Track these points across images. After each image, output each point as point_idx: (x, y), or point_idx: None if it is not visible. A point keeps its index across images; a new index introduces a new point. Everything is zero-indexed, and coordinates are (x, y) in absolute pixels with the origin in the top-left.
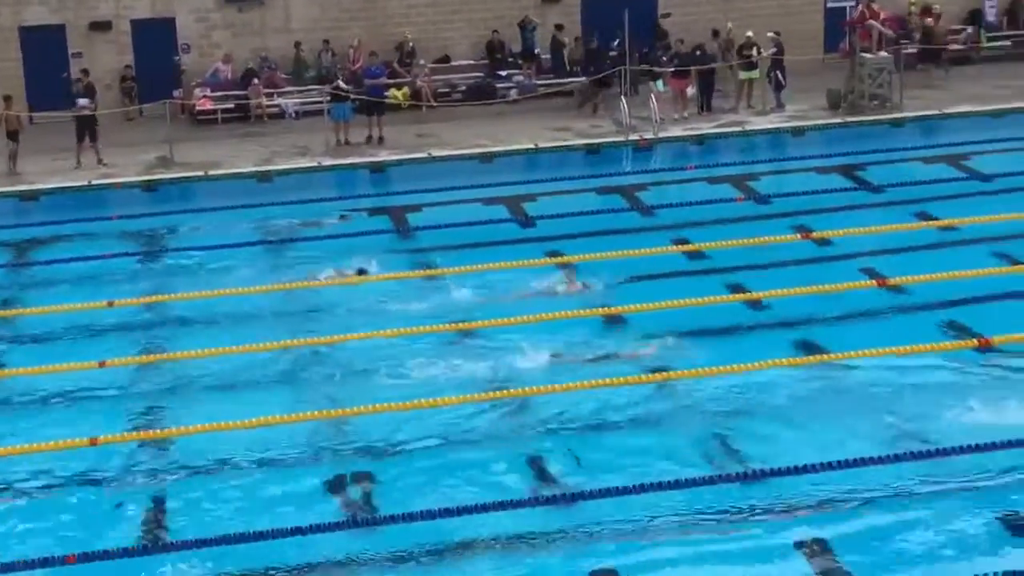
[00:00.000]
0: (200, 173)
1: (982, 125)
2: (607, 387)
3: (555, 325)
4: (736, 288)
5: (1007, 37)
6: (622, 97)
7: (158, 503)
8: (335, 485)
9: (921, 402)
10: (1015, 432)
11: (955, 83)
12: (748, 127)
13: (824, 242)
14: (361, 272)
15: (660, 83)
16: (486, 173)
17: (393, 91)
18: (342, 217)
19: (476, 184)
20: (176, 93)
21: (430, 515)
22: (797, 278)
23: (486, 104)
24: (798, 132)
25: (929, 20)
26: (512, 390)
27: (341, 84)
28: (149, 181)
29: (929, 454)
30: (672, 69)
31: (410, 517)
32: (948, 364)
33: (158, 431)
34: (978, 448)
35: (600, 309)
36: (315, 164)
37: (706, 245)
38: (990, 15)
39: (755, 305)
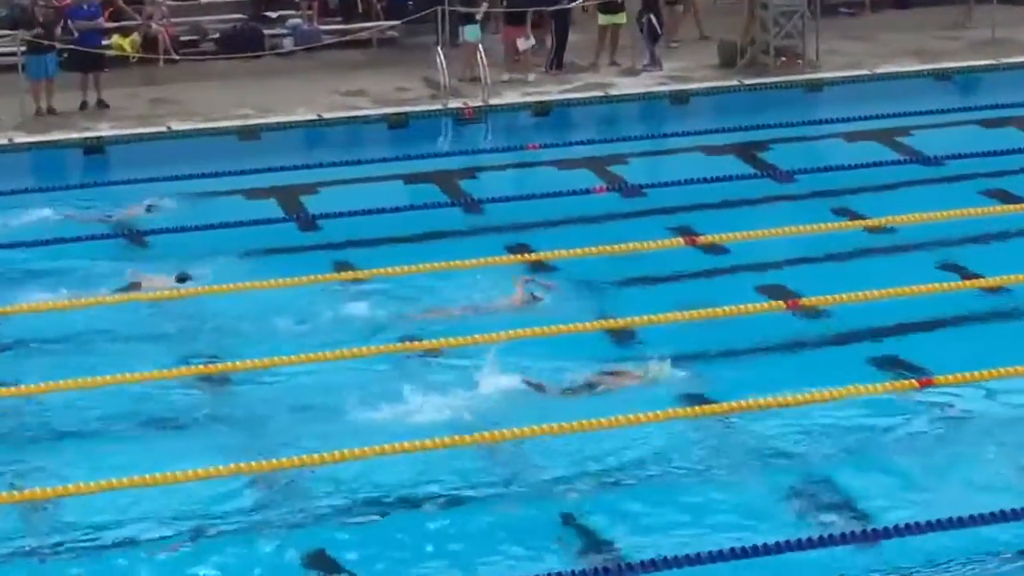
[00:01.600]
0: None
1: (923, 89)
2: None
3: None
4: (603, 315)
5: None
6: (438, 49)
7: None
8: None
9: None
10: None
11: (887, 32)
12: (612, 91)
13: (715, 249)
14: (182, 279)
15: (473, 30)
16: (250, 154)
17: (116, 38)
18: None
19: (234, 170)
20: None
21: None
22: (675, 298)
23: (249, 58)
24: (680, 98)
25: None
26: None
27: (40, 27)
28: None
29: None
30: (503, 9)
31: None
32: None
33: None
34: None
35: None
36: (4, 142)
37: (553, 254)
38: None
39: (624, 334)
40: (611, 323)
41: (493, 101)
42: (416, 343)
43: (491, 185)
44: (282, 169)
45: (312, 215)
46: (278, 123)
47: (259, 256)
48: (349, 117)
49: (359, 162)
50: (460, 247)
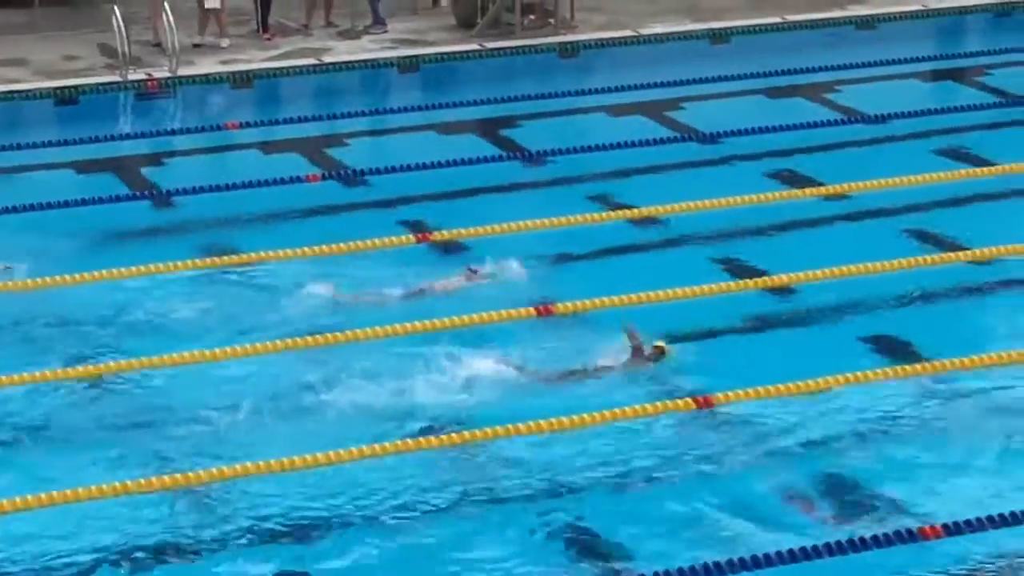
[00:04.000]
0: None
1: (697, 53)
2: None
3: None
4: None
5: None
6: (115, 8)
7: None
8: None
9: None
10: None
11: None
12: (328, 58)
13: (453, 247)
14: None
15: None
16: None
17: None
18: None
19: None
20: None
21: None
22: (402, 306)
23: None
24: (409, 66)
25: None
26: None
27: None
28: None
29: None
30: None
31: None
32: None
33: None
34: None
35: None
36: None
37: (258, 256)
38: None
39: (344, 348)
40: (333, 337)
41: (183, 72)
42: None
43: (182, 173)
44: None
45: None
46: None
47: None
48: (5, 93)
49: (18, 147)
50: (146, 249)
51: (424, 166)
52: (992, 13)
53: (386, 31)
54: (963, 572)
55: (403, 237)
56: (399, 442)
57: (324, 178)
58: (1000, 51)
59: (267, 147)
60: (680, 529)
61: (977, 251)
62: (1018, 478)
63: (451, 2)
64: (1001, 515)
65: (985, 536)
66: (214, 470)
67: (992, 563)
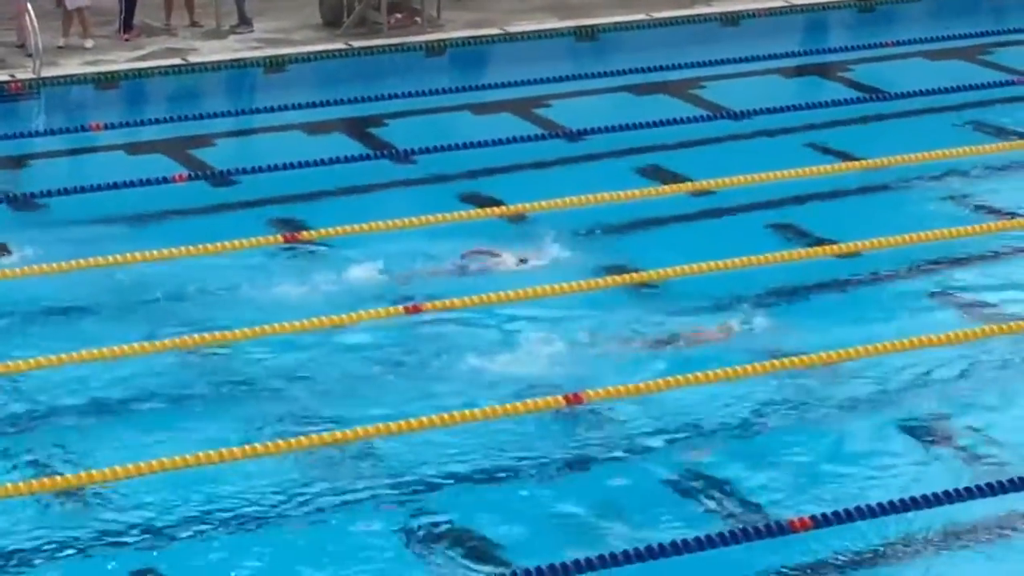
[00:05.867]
0: None
1: (563, 50)
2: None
3: None
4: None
5: None
6: None
7: None
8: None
9: None
10: None
11: None
12: (193, 58)
13: (322, 246)
14: None
15: None
16: None
17: None
18: None
19: None
20: None
21: None
22: (278, 308)
23: None
24: (276, 65)
25: None
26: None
27: None
28: None
29: None
30: None
31: None
32: None
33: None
34: None
35: None
36: None
37: (125, 258)
38: None
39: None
40: (190, 340)
41: (47, 73)
42: None
43: (47, 175)
44: None
45: None
46: None
47: None
48: None
49: None
50: None
51: (292, 166)
52: (855, 8)
53: (252, 31)
54: (832, 564)
55: (271, 237)
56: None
57: (191, 178)
58: (863, 46)
59: (133, 148)
60: (548, 526)
61: (843, 245)
62: (883, 470)
63: (317, 1)
64: (868, 506)
65: (853, 528)
66: None
67: (860, 554)
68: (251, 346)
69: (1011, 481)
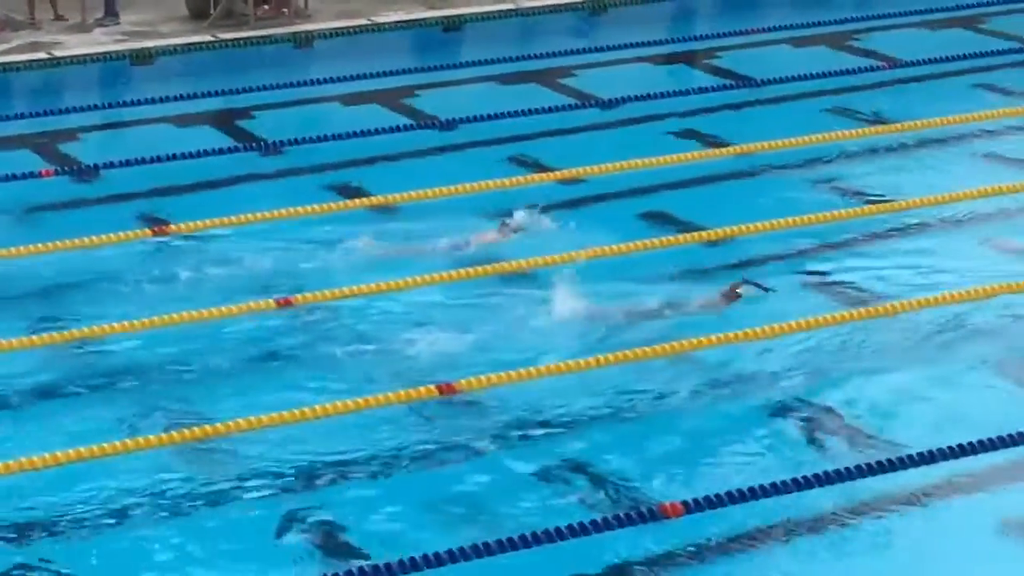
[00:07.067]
0: None
1: (430, 41)
2: None
3: None
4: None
5: None
6: None
7: None
8: None
9: None
10: None
11: None
12: (58, 52)
13: (192, 240)
14: None
15: None
16: None
17: None
18: None
19: None
20: None
21: None
22: (143, 304)
23: None
24: (143, 57)
25: None
26: None
27: None
28: None
29: None
30: None
31: None
32: None
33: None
34: None
35: None
36: None
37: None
38: None
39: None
40: (59, 336)
41: None
42: None
43: None
44: None
45: None
46: None
47: None
48: None
49: None
50: None
51: (160, 159)
52: None
53: (118, 23)
54: (705, 548)
55: (140, 231)
56: None
57: (58, 173)
58: (730, 33)
59: None
60: (416, 517)
61: (712, 232)
62: (754, 454)
63: None
64: (740, 490)
65: (725, 512)
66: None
67: (733, 539)
68: (119, 341)
69: (878, 464)
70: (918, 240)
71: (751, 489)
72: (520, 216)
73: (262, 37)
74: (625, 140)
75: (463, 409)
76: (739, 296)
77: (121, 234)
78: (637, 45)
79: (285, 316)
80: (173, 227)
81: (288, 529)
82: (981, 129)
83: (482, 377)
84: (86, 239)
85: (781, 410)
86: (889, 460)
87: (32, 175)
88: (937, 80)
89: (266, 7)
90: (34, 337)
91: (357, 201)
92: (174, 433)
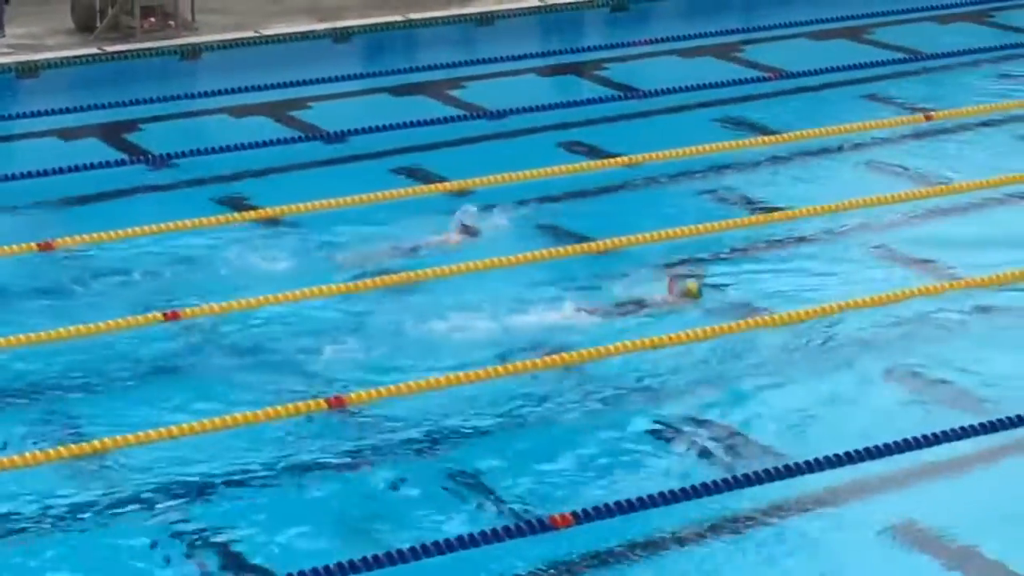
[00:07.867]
0: None
1: (320, 53)
2: None
3: None
4: None
5: None
6: None
7: None
8: None
9: None
10: None
11: None
12: None
13: (77, 256)
14: None
15: None
16: None
17: None
18: None
19: None
20: None
21: None
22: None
23: None
24: (27, 70)
25: None
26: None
27: None
28: None
29: None
30: None
31: None
32: None
33: None
34: None
35: None
36: None
37: None
38: None
39: None
40: None
41: None
42: None
43: None
44: None
45: None
46: None
47: None
48: None
49: None
50: None
51: (46, 172)
52: (607, 8)
53: (3, 36)
54: (596, 558)
55: (25, 245)
56: None
57: None
58: (617, 45)
59: None
60: (313, 530)
61: (601, 242)
62: (642, 465)
63: (71, 6)
64: (629, 500)
65: (615, 523)
66: None
67: (625, 549)
68: (4, 357)
69: (765, 472)
70: (804, 249)
71: (640, 499)
72: (472, 217)
73: (149, 50)
74: (514, 151)
75: (352, 422)
76: None
77: (6, 248)
78: (525, 57)
79: (173, 329)
80: (59, 241)
81: (181, 544)
82: (868, 138)
83: (372, 390)
84: None
85: (670, 421)
86: (776, 468)
87: None
88: (823, 91)
89: (152, 20)
90: None
91: (244, 214)
92: (61, 448)
